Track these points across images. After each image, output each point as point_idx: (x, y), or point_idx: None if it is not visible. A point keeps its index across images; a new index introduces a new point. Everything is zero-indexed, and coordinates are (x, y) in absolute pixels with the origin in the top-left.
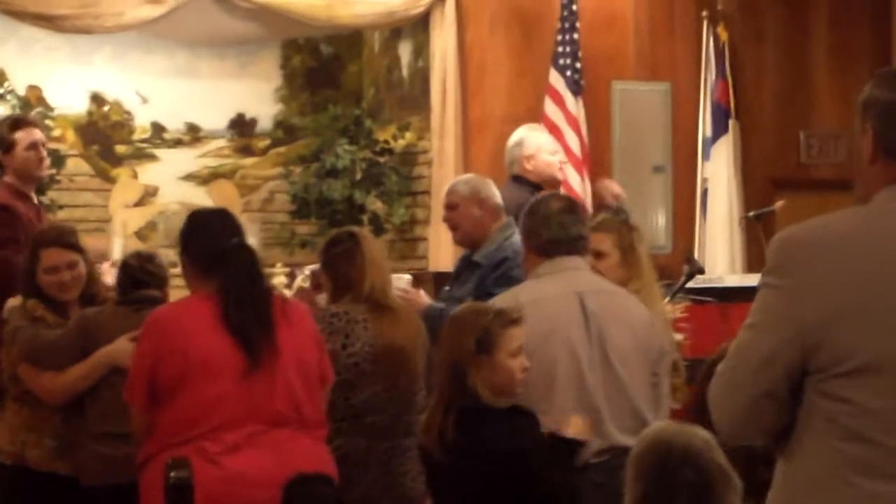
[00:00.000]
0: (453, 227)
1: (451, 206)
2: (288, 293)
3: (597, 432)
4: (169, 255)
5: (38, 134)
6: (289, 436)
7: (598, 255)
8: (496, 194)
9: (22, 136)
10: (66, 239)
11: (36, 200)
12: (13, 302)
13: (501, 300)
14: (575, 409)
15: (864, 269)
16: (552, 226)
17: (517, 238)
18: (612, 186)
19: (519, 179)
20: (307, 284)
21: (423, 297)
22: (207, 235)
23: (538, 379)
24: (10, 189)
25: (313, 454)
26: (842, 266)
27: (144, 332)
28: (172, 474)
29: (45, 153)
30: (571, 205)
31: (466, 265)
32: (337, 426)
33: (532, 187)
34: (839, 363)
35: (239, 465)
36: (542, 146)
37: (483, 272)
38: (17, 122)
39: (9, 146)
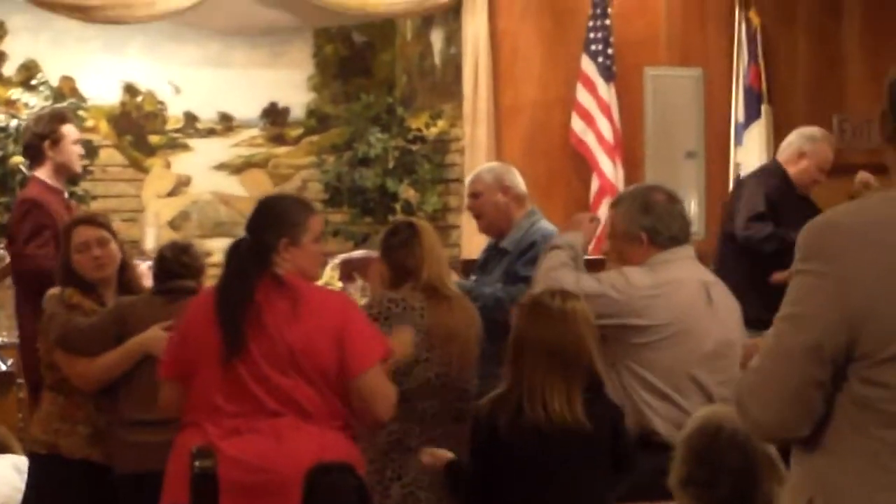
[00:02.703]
0: (477, 216)
1: (474, 195)
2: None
3: None
4: (203, 245)
5: (77, 131)
6: (290, 423)
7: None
8: (520, 182)
9: (70, 130)
10: (95, 218)
11: (66, 195)
12: (52, 291)
13: (638, 275)
14: (698, 396)
15: None
16: (676, 218)
17: (543, 224)
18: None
19: (775, 168)
20: (336, 273)
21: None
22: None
23: (671, 361)
24: (43, 185)
25: (319, 442)
26: (882, 250)
27: (186, 309)
28: (197, 463)
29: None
30: (674, 194)
31: (494, 253)
32: None
33: (781, 181)
34: (883, 349)
35: (236, 450)
36: (820, 158)
37: (511, 258)
38: (63, 116)
39: (58, 139)
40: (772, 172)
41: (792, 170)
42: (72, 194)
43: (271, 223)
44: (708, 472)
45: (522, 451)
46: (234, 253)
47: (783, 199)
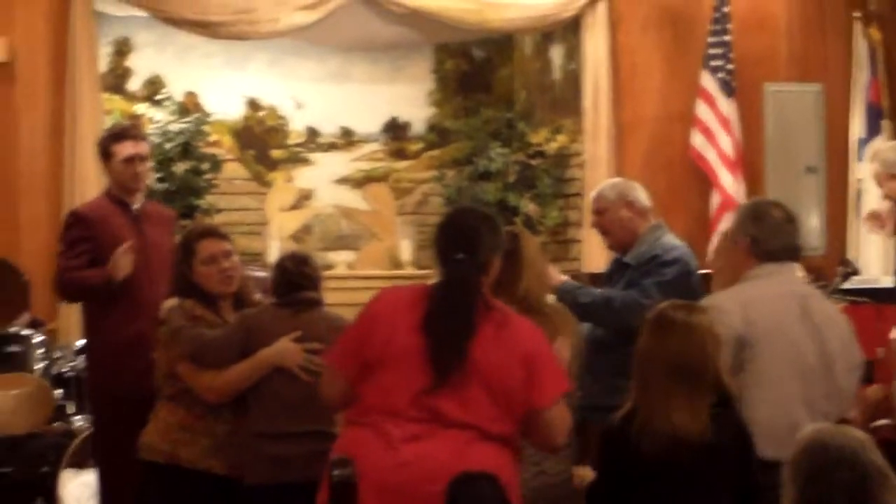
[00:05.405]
0: (604, 232)
1: (599, 212)
2: None
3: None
4: (326, 258)
5: (136, 147)
6: (470, 438)
7: None
8: (643, 196)
9: (122, 149)
10: (217, 230)
11: (136, 207)
12: (170, 303)
13: (722, 298)
14: (799, 403)
15: None
16: (783, 234)
17: (668, 238)
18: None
19: None
20: None
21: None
22: (435, 241)
23: (763, 373)
24: (109, 196)
25: (492, 458)
26: None
27: (367, 307)
28: (336, 472)
29: (141, 167)
30: (793, 215)
31: (618, 267)
32: None
33: None
34: None
35: (416, 453)
36: None
37: (633, 272)
38: (117, 135)
39: (108, 156)
40: None
41: None
42: (195, 207)
43: (485, 240)
44: (820, 490)
45: (650, 466)
46: (456, 278)
47: None
